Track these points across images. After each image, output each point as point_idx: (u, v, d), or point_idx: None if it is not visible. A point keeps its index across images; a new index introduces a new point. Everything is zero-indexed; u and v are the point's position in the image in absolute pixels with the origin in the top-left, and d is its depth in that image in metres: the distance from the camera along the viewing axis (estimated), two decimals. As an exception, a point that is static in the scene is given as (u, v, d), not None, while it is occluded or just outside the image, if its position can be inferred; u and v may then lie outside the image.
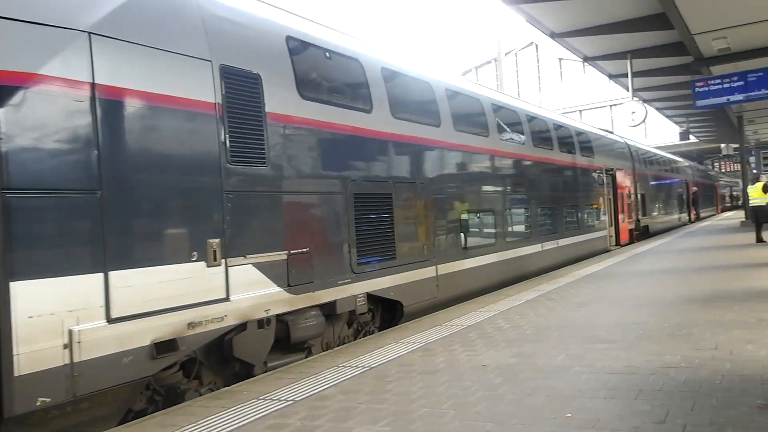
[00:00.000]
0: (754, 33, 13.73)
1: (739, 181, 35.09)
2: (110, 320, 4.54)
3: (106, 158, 4.66)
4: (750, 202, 15.72)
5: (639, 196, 21.82)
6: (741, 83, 15.68)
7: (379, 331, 7.90)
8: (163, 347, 4.89)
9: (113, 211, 4.67)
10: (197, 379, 5.58)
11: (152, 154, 5.09)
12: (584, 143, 16.88)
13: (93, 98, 4.63)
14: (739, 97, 15.79)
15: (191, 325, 5.15)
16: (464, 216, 10.19)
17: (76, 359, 4.29)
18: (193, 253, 5.25)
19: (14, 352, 3.99)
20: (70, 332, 4.28)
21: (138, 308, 4.75)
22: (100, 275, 4.52)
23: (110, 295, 4.56)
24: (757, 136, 33.57)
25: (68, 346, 4.26)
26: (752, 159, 35.20)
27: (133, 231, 4.87)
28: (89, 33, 4.68)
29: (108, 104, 4.75)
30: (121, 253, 4.70)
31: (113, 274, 4.60)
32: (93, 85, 4.64)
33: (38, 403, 4.11)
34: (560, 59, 50.42)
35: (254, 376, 5.76)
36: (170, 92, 5.25)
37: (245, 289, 5.72)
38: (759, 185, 15.70)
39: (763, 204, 15.21)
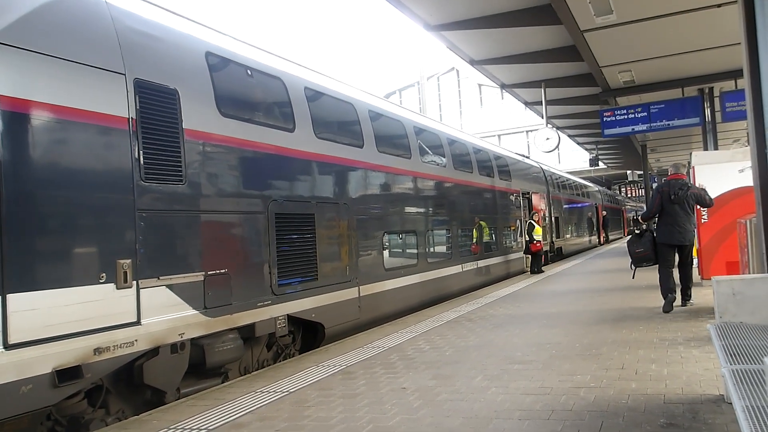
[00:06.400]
0: (656, 67, 14.70)
1: (644, 205, 37.22)
2: (7, 346, 4.22)
3: (7, 173, 4.37)
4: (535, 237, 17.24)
5: (553, 218, 22.72)
6: (644, 114, 16.66)
7: (300, 353, 7.77)
8: (65, 375, 4.60)
9: (13, 229, 4.37)
10: (104, 407, 5.28)
11: (59, 169, 4.82)
12: (502, 167, 17.45)
13: (-7, 109, 4.34)
14: (643, 127, 16.76)
15: (98, 350, 4.87)
16: (386, 237, 10.24)
17: (-34, 390, 3.96)
18: (101, 275, 4.99)
19: None
20: (-40, 361, 3.95)
21: (39, 333, 4.44)
22: (-3, 298, 4.21)
23: (8, 320, 4.25)
24: (659, 164, 35.87)
25: (-42, 375, 3.93)
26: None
27: (35, 251, 4.56)
28: (-9, 40, 4.41)
29: (10, 116, 4.47)
30: (22, 274, 4.40)
31: (12, 297, 4.29)
32: (-6, 96, 4.35)
33: None
34: (480, 85, 52.07)
35: (166, 403, 5.51)
36: (80, 105, 5.01)
37: (158, 312, 5.48)
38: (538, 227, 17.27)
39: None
